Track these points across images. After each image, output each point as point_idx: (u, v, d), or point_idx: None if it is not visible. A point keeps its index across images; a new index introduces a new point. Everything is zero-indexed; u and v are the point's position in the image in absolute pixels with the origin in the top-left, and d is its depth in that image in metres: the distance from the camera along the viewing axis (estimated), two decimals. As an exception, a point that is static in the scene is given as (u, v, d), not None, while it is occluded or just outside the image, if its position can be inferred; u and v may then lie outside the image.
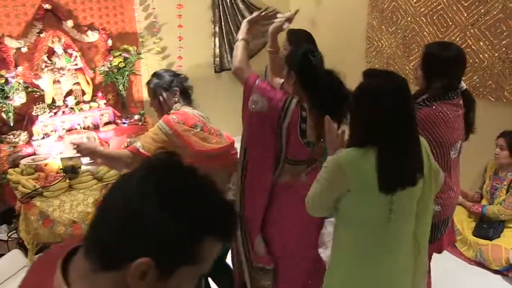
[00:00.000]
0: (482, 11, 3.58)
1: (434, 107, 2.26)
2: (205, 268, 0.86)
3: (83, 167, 3.71)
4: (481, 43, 3.64)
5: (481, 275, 3.29)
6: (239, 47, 2.42)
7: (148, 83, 2.79)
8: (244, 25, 2.51)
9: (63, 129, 3.94)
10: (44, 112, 3.91)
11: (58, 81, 4.00)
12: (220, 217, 0.85)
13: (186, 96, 2.76)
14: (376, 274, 1.82)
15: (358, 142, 1.73)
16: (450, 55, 2.28)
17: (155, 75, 2.77)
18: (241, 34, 2.47)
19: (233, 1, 4.97)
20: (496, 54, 3.56)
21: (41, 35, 3.90)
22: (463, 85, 2.43)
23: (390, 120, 1.67)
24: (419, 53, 4.09)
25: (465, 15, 3.71)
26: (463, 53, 2.36)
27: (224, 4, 4.93)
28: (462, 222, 3.57)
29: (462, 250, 3.49)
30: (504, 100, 3.59)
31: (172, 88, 2.70)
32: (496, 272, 3.27)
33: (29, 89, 3.92)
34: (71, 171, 3.61)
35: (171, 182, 0.83)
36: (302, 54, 2.20)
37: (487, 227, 3.45)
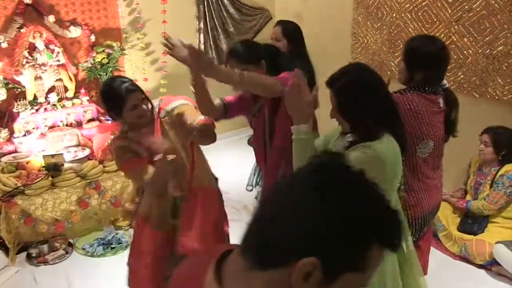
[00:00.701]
0: (466, 7, 3.60)
1: (404, 95, 2.26)
2: (368, 279, 0.81)
3: (66, 165, 3.68)
4: (465, 39, 3.67)
5: (466, 269, 3.32)
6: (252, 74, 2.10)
7: None
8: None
9: (45, 126, 3.90)
10: (26, 109, 3.86)
11: (40, 77, 3.95)
12: (389, 226, 0.81)
13: None
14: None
15: (374, 134, 1.77)
16: (433, 49, 2.28)
17: None
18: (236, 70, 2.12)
19: (218, -3, 4.95)
20: (480, 51, 3.59)
21: (22, 30, 3.85)
22: (445, 83, 2.42)
23: (383, 106, 1.82)
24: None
25: (449, 11, 3.73)
26: (446, 49, 2.36)
27: (209, 0, 4.90)
28: (447, 217, 3.60)
29: (447, 246, 3.52)
30: (488, 96, 3.62)
31: None
32: (480, 266, 3.30)
33: (10, 86, 3.87)
34: (53, 168, 3.57)
35: (343, 184, 0.80)
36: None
37: (472, 222, 3.48)
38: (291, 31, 3.16)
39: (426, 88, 2.27)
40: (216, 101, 2.35)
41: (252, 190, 4.04)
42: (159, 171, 2.21)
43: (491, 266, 3.24)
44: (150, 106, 2.34)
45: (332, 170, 0.82)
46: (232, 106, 2.38)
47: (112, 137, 3.80)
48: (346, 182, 0.81)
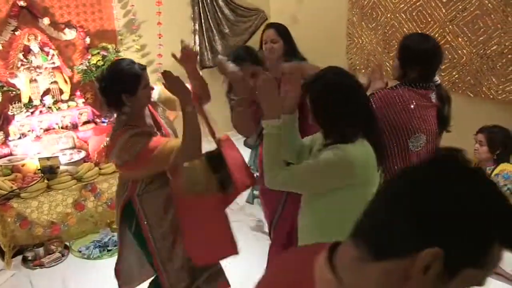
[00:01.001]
0: (460, 7, 3.62)
1: (394, 90, 2.30)
2: (486, 276, 0.79)
3: (62, 167, 3.68)
4: (460, 39, 3.68)
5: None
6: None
7: None
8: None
9: (41, 128, 3.89)
10: (21, 111, 3.85)
11: (35, 80, 3.94)
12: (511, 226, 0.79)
13: None
14: None
15: (348, 137, 1.77)
16: (427, 47, 2.30)
17: None
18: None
19: (213, -2, 4.95)
20: (474, 50, 3.61)
21: (16, 33, 3.84)
22: (437, 79, 2.44)
23: (358, 109, 1.79)
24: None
25: (444, 11, 3.75)
26: (440, 47, 2.38)
27: (204, 1, 4.91)
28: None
29: (443, 245, 3.53)
30: (483, 95, 3.64)
31: None
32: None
33: (5, 88, 3.86)
34: (49, 171, 3.57)
35: (468, 176, 0.78)
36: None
37: (467, 222, 3.49)
38: (284, 31, 3.17)
39: (417, 84, 2.29)
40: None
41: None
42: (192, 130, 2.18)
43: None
44: None
45: (456, 162, 0.80)
46: None
47: (107, 139, 3.80)
48: (470, 175, 0.79)
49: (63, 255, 3.52)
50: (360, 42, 4.54)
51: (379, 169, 1.83)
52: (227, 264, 3.37)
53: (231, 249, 2.45)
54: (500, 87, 3.52)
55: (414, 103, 2.27)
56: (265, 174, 1.87)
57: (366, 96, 1.90)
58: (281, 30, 3.11)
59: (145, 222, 2.33)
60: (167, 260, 2.39)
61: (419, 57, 2.28)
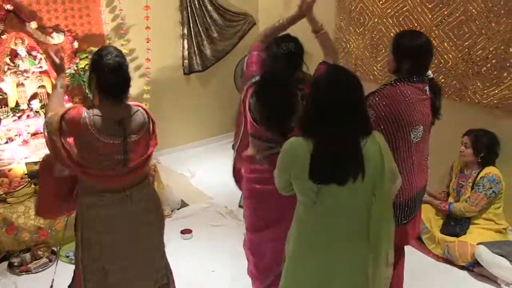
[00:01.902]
0: (446, 13, 3.68)
1: (396, 86, 2.40)
2: None
3: (49, 172, 3.65)
4: (445, 44, 3.74)
5: (449, 271, 3.37)
6: None
7: None
8: None
9: (28, 133, 3.88)
10: (8, 116, 3.84)
11: (22, 84, 3.93)
12: None
13: None
14: (312, 264, 1.94)
15: (302, 131, 1.84)
16: (419, 42, 2.45)
17: None
18: None
19: (201, 3, 4.97)
20: (460, 55, 3.67)
21: (3, 37, 3.83)
22: (430, 73, 2.56)
23: (331, 115, 1.75)
24: (387, 53, 4.18)
25: (430, 16, 3.81)
26: (430, 42, 2.52)
27: (193, 6, 4.92)
28: (430, 220, 3.65)
29: (431, 248, 3.56)
30: (468, 99, 3.70)
31: None
32: (462, 268, 3.36)
33: (-9, 93, 3.84)
34: (36, 176, 3.54)
35: None
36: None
37: (454, 224, 3.53)
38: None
39: (414, 78, 2.42)
40: None
41: None
42: None
43: (473, 267, 3.30)
44: None
45: None
46: None
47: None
48: None
49: (50, 261, 3.50)
50: (348, 47, 4.59)
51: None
52: (215, 269, 3.39)
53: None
54: (485, 91, 3.58)
55: (414, 98, 2.41)
56: None
57: (346, 96, 1.79)
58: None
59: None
60: None
61: (411, 49, 2.41)
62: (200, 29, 5.05)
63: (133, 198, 2.34)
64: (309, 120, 1.82)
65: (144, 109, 2.38)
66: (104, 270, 2.39)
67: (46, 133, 2.26)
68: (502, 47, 3.39)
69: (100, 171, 2.24)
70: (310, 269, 1.94)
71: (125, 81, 2.27)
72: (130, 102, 2.34)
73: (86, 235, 2.40)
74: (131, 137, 2.26)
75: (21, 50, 3.87)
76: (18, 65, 3.88)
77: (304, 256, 1.97)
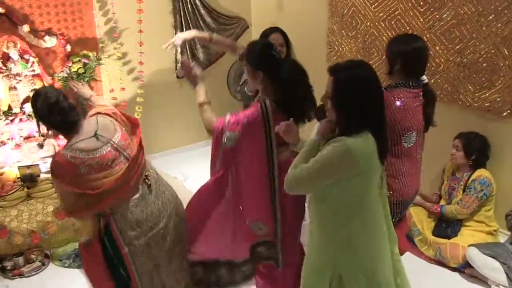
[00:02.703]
0: (437, 16, 3.72)
1: (394, 92, 2.44)
2: None
3: (43, 175, 3.67)
4: (437, 48, 3.78)
5: (440, 273, 3.40)
6: (207, 111, 2.58)
7: None
8: (199, 87, 2.67)
9: (21, 136, 3.88)
10: (0, 119, 3.84)
11: (15, 88, 3.93)
12: None
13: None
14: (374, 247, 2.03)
15: (354, 129, 1.87)
16: (417, 45, 2.51)
17: None
18: (202, 98, 2.62)
19: (194, 7, 4.99)
20: (451, 58, 3.71)
21: (-5, 40, 3.83)
22: (425, 78, 2.60)
23: (374, 107, 1.90)
24: (379, 56, 4.23)
25: (421, 20, 3.85)
26: (425, 46, 2.58)
27: (186, 10, 4.94)
28: (422, 222, 3.68)
29: (423, 250, 3.59)
30: (460, 103, 3.74)
31: None
32: (454, 269, 3.39)
33: (-16, 96, 3.84)
34: (29, 179, 3.57)
35: None
36: (260, 49, 2.48)
37: (446, 227, 3.57)
38: (287, 38, 3.27)
39: (411, 84, 2.47)
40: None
41: None
42: None
43: (465, 268, 3.33)
44: None
45: None
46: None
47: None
48: None
49: (43, 264, 3.50)
50: (340, 50, 4.62)
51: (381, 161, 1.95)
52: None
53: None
54: (476, 94, 3.62)
55: (409, 104, 2.46)
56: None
57: (382, 95, 1.96)
58: (286, 36, 3.22)
59: None
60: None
61: (402, 54, 2.46)
62: (193, 32, 5.07)
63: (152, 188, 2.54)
64: (360, 117, 1.88)
65: (104, 113, 2.49)
66: (157, 267, 2.58)
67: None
68: (493, 51, 3.44)
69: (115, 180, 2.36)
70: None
71: (64, 114, 2.35)
72: (91, 113, 2.50)
73: (133, 246, 2.48)
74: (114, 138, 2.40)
75: (14, 54, 3.88)
76: (11, 68, 3.88)
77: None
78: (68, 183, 2.28)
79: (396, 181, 2.54)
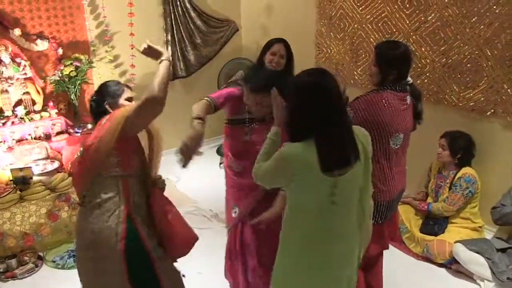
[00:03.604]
0: (422, 18, 3.77)
1: (380, 94, 2.46)
2: None
3: (35, 178, 3.67)
4: (423, 49, 3.83)
5: (428, 269, 3.45)
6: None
7: None
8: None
9: (13, 139, 3.88)
10: (-8, 122, 3.83)
11: (6, 91, 3.93)
12: None
13: None
14: (322, 259, 1.95)
15: (298, 136, 1.86)
16: (401, 51, 2.51)
17: None
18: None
19: (185, 10, 5.01)
20: (437, 59, 3.76)
21: (-14, 44, 3.82)
22: (409, 79, 2.64)
23: (324, 113, 1.82)
24: (367, 58, 4.27)
25: (407, 22, 3.89)
26: (409, 49, 2.60)
27: (176, 13, 4.96)
28: (410, 220, 3.72)
29: (411, 247, 3.63)
30: (445, 102, 3.79)
31: None
32: (441, 265, 3.44)
33: (-24, 100, 3.83)
34: (22, 182, 3.56)
35: None
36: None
37: (433, 224, 3.62)
38: (290, 50, 3.24)
39: (397, 87, 2.49)
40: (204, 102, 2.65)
41: None
42: None
43: (451, 264, 3.38)
44: None
45: None
46: (221, 105, 2.64)
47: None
48: None
49: (36, 266, 3.49)
50: (329, 52, 4.66)
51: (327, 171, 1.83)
52: (201, 271, 3.43)
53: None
54: (461, 94, 3.67)
55: (397, 106, 2.48)
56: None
57: (336, 102, 1.87)
58: (289, 48, 3.21)
59: None
60: None
61: (396, 61, 2.48)
62: (184, 35, 5.09)
63: None
64: (305, 124, 1.85)
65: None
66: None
67: None
68: (476, 52, 3.49)
69: None
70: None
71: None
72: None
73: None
74: None
75: (5, 57, 3.87)
76: (2, 72, 3.88)
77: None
78: None
79: (384, 182, 2.56)
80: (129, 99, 2.30)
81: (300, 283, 1.99)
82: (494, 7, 3.31)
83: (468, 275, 3.30)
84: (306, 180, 1.86)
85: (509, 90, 3.38)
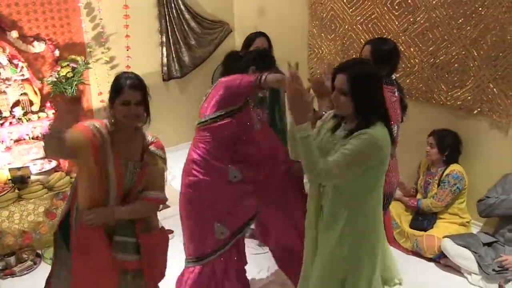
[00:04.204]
0: (411, 20, 3.82)
1: None
2: None
3: (33, 177, 3.68)
4: (412, 49, 3.88)
5: (418, 263, 3.49)
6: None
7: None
8: None
9: (11, 139, 3.88)
10: (-10, 123, 3.84)
11: (4, 92, 3.93)
12: None
13: None
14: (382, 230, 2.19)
15: (373, 121, 1.96)
16: (391, 47, 2.67)
17: None
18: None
19: (179, 12, 5.03)
20: (425, 59, 3.81)
21: (-16, 46, 3.83)
22: (393, 75, 2.76)
23: (383, 100, 2.02)
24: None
25: (397, 23, 3.94)
26: (397, 46, 2.75)
27: (171, 15, 4.98)
28: (400, 216, 3.77)
29: (401, 242, 3.67)
30: (434, 101, 3.84)
31: None
32: (430, 259, 3.49)
33: (-26, 101, 3.83)
34: (20, 181, 3.57)
35: None
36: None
37: (422, 219, 3.66)
38: (270, 43, 3.34)
39: (386, 81, 2.58)
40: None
41: None
42: None
43: (440, 258, 3.43)
44: (144, 114, 2.19)
45: None
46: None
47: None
48: None
49: (35, 263, 3.51)
50: (320, 52, 4.70)
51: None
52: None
53: None
54: (449, 93, 3.72)
55: (389, 99, 2.55)
56: (309, 172, 1.96)
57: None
58: (269, 41, 3.27)
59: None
60: None
61: (386, 56, 2.62)
62: (178, 37, 5.11)
63: None
64: (376, 109, 1.98)
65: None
66: None
67: None
68: (463, 52, 3.54)
69: None
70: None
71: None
72: None
73: None
74: None
75: (3, 59, 3.87)
76: (0, 73, 3.88)
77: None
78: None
79: (387, 173, 2.62)
80: (125, 103, 2.12)
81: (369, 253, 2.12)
82: (480, 9, 3.36)
83: (456, 269, 3.35)
84: (385, 162, 2.02)
85: (494, 89, 3.43)
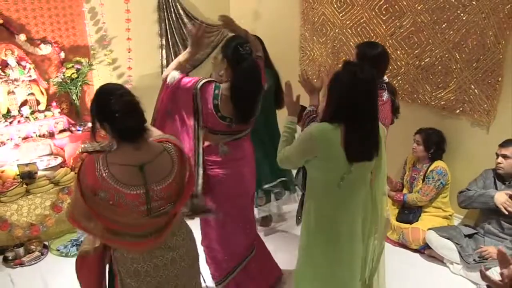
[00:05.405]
0: (398, 24, 3.88)
1: None
2: None
3: (40, 173, 3.73)
4: (398, 52, 3.94)
5: (403, 254, 3.57)
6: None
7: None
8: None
9: (19, 137, 3.92)
10: (0, 121, 3.88)
11: (13, 92, 3.97)
12: None
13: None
14: (334, 234, 2.12)
15: (329, 118, 1.99)
16: (379, 51, 2.68)
17: None
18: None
19: (178, 16, 5.07)
20: (411, 62, 3.87)
21: (-6, 48, 3.86)
22: (385, 78, 2.75)
23: (358, 105, 1.93)
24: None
25: (384, 27, 4.00)
26: (386, 50, 2.76)
27: (170, 19, 5.02)
28: (387, 209, 3.84)
29: (388, 234, 3.73)
30: (419, 101, 3.90)
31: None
32: (415, 251, 3.56)
33: (-16, 100, 3.86)
34: (28, 176, 3.61)
35: None
36: (234, 45, 2.53)
37: (408, 213, 3.73)
38: (262, 43, 3.38)
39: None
40: None
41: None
42: None
43: (425, 250, 3.50)
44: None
45: None
46: None
47: (82, 145, 3.87)
48: None
49: (42, 254, 3.56)
50: (312, 55, 4.76)
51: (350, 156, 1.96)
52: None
53: None
54: (433, 94, 3.78)
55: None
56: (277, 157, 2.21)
57: (370, 90, 1.97)
58: (261, 41, 3.30)
59: None
60: None
61: (373, 60, 2.60)
62: (177, 39, 5.14)
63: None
64: (340, 110, 1.95)
65: (174, 144, 2.01)
66: None
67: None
68: (446, 55, 3.60)
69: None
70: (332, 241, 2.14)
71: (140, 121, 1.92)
72: (155, 137, 2.02)
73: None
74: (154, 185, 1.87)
75: (11, 61, 3.91)
76: (9, 74, 3.92)
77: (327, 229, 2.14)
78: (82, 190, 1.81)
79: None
80: None
81: (318, 255, 2.16)
82: (462, 14, 3.43)
83: (439, 259, 3.42)
84: (327, 160, 1.99)
85: (476, 90, 3.50)
